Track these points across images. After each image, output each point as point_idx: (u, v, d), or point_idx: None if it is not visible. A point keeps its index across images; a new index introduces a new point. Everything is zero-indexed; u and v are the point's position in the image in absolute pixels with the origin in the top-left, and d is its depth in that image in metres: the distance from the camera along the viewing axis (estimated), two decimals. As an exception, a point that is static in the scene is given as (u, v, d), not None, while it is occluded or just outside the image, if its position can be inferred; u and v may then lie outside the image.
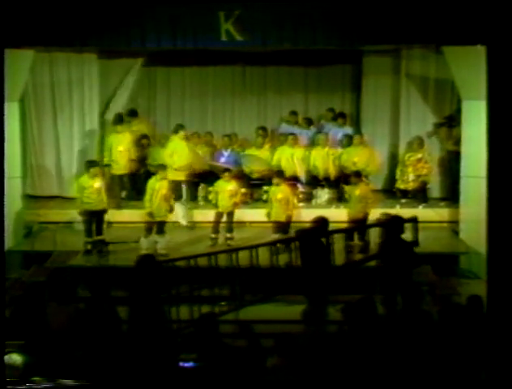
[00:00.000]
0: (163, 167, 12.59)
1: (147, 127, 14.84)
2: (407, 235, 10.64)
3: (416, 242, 10.68)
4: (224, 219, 12.57)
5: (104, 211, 12.50)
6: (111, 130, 14.37)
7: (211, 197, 12.73)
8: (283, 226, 12.24)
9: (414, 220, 10.88)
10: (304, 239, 10.32)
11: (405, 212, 11.68)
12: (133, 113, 14.74)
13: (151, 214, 12.20)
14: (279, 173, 12.82)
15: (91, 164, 12.73)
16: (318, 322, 9.67)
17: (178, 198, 13.45)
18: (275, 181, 12.50)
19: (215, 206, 12.57)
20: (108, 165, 13.83)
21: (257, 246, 10.85)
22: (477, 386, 6.57)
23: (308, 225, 10.72)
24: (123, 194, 14.25)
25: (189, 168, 13.72)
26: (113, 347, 7.44)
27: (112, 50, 14.25)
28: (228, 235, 12.55)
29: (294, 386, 6.62)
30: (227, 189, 12.52)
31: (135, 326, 9.17)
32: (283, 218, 12.20)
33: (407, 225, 10.68)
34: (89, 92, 14.73)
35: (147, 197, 12.26)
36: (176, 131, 13.94)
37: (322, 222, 10.34)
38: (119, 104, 14.97)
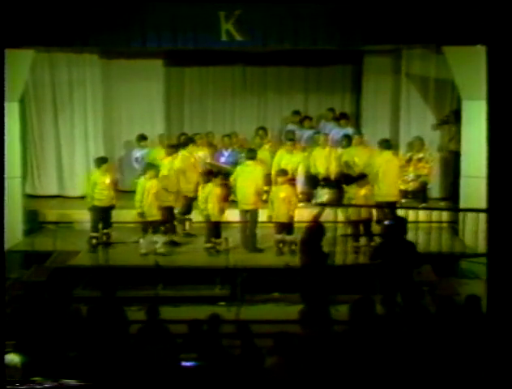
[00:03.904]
0: (152, 166, 12.49)
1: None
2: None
3: None
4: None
5: (112, 207, 12.54)
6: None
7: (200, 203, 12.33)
8: (286, 226, 12.18)
9: None
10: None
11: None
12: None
13: (141, 214, 12.14)
14: (283, 172, 12.57)
15: (101, 160, 12.71)
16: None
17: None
18: (278, 180, 12.44)
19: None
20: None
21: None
22: (477, 386, 6.56)
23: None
24: None
25: None
26: (120, 347, 7.45)
27: (113, 51, 14.28)
28: (215, 240, 12.24)
29: (293, 386, 6.63)
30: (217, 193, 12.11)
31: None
32: (285, 218, 12.09)
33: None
34: (92, 93, 14.73)
35: (137, 197, 12.17)
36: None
37: None
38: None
